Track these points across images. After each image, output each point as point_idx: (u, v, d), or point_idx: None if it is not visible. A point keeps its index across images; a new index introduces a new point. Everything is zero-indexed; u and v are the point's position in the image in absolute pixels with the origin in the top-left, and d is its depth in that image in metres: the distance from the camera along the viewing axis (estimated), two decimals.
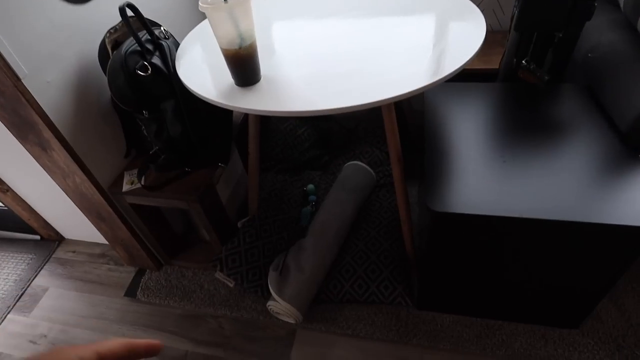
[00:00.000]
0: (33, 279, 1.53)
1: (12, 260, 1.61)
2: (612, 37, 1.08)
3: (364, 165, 1.39)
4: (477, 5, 1.19)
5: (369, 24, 0.96)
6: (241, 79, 0.85)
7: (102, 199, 1.15)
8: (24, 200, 1.47)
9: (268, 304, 1.13)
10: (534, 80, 1.18)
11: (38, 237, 1.68)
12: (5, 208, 1.54)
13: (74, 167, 1.07)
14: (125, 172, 1.20)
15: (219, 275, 1.19)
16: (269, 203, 1.41)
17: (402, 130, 1.04)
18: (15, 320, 1.39)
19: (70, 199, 1.21)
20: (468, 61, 0.77)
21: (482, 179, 0.87)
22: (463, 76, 1.11)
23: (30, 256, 1.62)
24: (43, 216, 1.55)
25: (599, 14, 1.18)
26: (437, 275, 1.03)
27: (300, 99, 0.77)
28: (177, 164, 1.15)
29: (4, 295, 1.47)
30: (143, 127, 1.12)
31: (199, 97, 0.85)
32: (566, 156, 0.90)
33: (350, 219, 1.26)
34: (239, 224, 1.28)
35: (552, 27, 1.09)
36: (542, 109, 1.05)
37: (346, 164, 1.42)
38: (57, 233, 1.64)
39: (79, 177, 1.10)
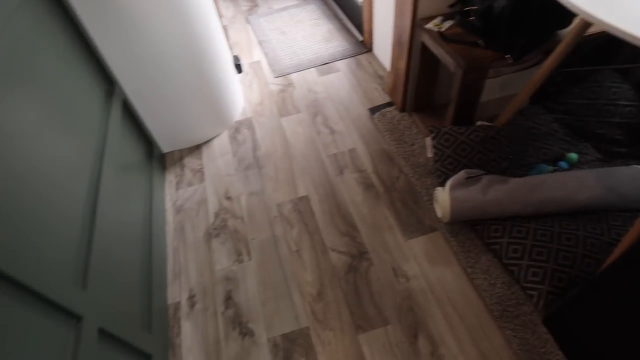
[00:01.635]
0: (337, 61, 2.01)
1: (338, 41, 2.11)
2: None
3: None
4: None
5: None
6: None
7: (409, 23, 1.33)
8: (372, 5, 1.83)
9: (437, 188, 1.20)
10: None
11: (361, 38, 2.12)
12: (361, 4, 1.96)
13: None
14: (440, 16, 1.32)
15: (428, 140, 1.30)
16: (521, 134, 1.32)
17: None
18: (311, 74, 1.92)
19: (394, 15, 1.44)
20: None
21: None
22: None
23: (348, 47, 2.09)
24: (373, 25, 1.91)
25: None
26: (590, 313, 0.85)
27: None
28: (477, 32, 1.19)
29: (318, 56, 2.02)
30: None
31: None
32: None
33: (578, 205, 1.09)
34: (478, 123, 1.29)
35: None
36: None
37: (633, 166, 1.14)
38: (371, 44, 2.02)
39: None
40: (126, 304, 0.98)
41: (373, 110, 1.67)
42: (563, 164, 1.26)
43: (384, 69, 1.89)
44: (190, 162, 1.59)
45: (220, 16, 1.74)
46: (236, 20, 2.35)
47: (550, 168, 1.24)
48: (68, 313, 0.75)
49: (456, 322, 1.06)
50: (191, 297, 1.21)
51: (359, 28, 2.12)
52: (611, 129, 1.29)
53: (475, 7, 1.21)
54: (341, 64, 1.96)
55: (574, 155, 1.26)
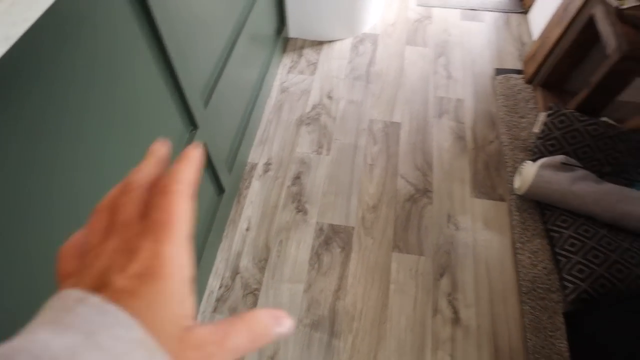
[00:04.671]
0: (486, 11, 1.89)
1: None
2: None
3: None
4: None
5: None
6: None
7: None
8: None
9: (526, 161, 1.19)
10: None
11: None
12: None
13: None
14: None
15: (542, 115, 1.25)
16: None
17: None
18: (452, 15, 1.84)
19: None
20: None
21: None
22: None
23: (505, 1, 1.93)
24: None
25: None
26: (611, 321, 0.86)
27: None
28: None
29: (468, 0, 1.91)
30: None
31: None
32: None
33: None
34: (603, 118, 1.21)
35: None
36: None
37: None
38: (530, 7, 1.85)
39: None
40: (224, 140, 1.17)
41: (499, 71, 1.61)
42: None
43: (530, 36, 1.76)
44: (308, 53, 1.70)
45: None
46: None
47: None
48: (191, 120, 0.93)
49: (483, 280, 1.12)
50: (267, 164, 1.38)
51: None
52: None
53: None
54: (488, 15, 1.85)
55: None
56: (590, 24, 1.22)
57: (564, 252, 1.07)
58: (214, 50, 1.02)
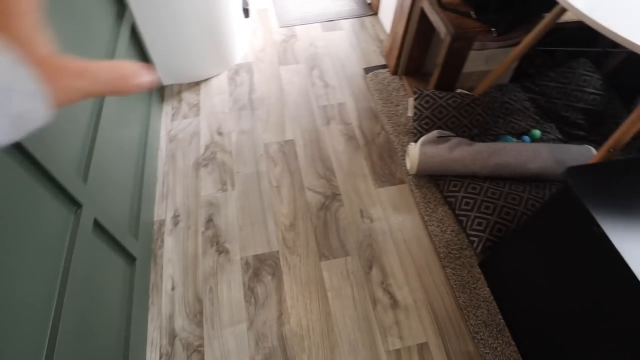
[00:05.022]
0: (342, 19, 2.06)
1: (348, 1, 2.15)
2: None
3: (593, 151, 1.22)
4: None
5: None
6: None
7: None
8: None
9: (410, 143, 1.32)
10: None
11: (369, 1, 2.16)
12: None
13: None
14: None
15: (410, 101, 1.40)
16: (495, 106, 1.43)
17: None
18: (315, 29, 1.98)
19: None
20: None
21: None
22: None
23: (355, 7, 2.13)
24: None
25: None
26: (512, 255, 1.00)
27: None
28: (470, 4, 1.27)
29: (325, 12, 2.07)
30: None
31: None
32: None
33: (529, 172, 1.22)
34: (458, 90, 1.39)
35: None
36: None
37: (583, 145, 1.27)
38: (377, 8, 2.07)
39: None
40: (118, 208, 1.10)
41: (368, 70, 1.76)
42: (526, 138, 1.38)
43: (385, 33, 1.95)
44: (187, 96, 1.68)
45: None
46: None
47: (514, 140, 1.36)
48: (71, 199, 0.86)
49: (407, 260, 1.21)
50: (175, 216, 1.33)
51: None
52: (575, 113, 1.40)
53: None
54: (346, 23, 2.02)
55: (537, 132, 1.38)
56: (424, 15, 1.41)
57: (462, 212, 1.20)
58: (78, 124, 0.96)
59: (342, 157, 1.46)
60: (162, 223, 1.32)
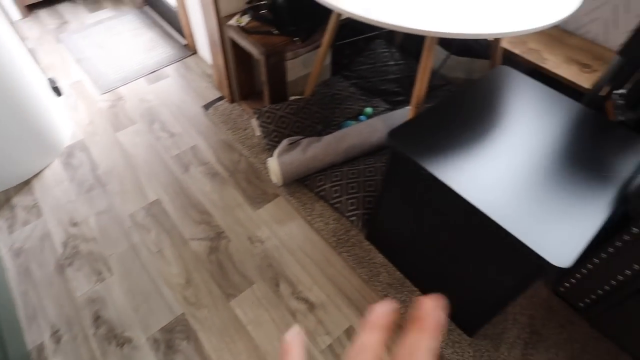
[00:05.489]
0: (164, 67, 2.05)
1: (162, 48, 2.15)
2: None
3: None
4: (592, 10, 1.10)
5: None
6: None
7: (215, 22, 1.48)
8: (186, 9, 1.92)
9: (268, 158, 1.38)
10: (613, 116, 1.06)
11: (185, 42, 2.18)
12: (176, 10, 2.03)
13: None
14: (239, 12, 1.49)
15: (254, 122, 1.47)
16: (327, 100, 1.59)
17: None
18: (140, 84, 1.92)
19: (203, 17, 1.57)
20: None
21: (456, 148, 0.92)
22: (547, 81, 1.11)
23: (173, 52, 2.13)
24: (192, 29, 2.00)
25: None
26: (384, 217, 1.13)
27: (373, 5, 0.90)
28: (270, 22, 1.40)
29: (144, 65, 2.03)
30: None
31: None
32: (552, 181, 0.87)
33: (373, 145, 1.38)
34: (291, 98, 1.51)
35: None
36: (583, 141, 0.97)
37: (404, 107, 1.49)
38: (194, 47, 2.11)
39: None
40: None
41: (206, 106, 1.78)
42: (363, 117, 1.57)
43: (210, 67, 2.00)
44: (20, 200, 1.48)
45: (24, 39, 1.61)
46: (44, 40, 2.17)
47: (354, 122, 1.53)
48: None
49: (306, 262, 1.26)
50: (55, 333, 1.17)
51: (181, 32, 2.19)
52: (390, 84, 1.65)
53: (265, 2, 1.42)
54: (169, 70, 2.01)
55: (369, 109, 1.58)
56: (235, 43, 1.49)
57: (335, 200, 1.31)
58: None
59: (213, 196, 1.45)
60: (40, 348, 1.14)
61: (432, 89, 1.66)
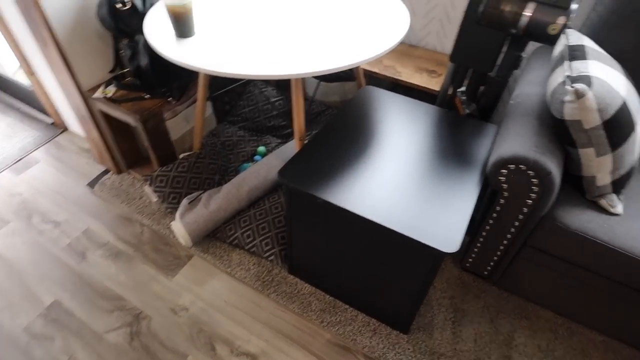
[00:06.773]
0: (32, 152, 1.86)
1: (24, 132, 1.95)
2: (530, 90, 1.13)
3: None
4: (425, 26, 1.30)
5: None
6: (178, 31, 1.04)
7: (79, 97, 1.40)
8: (43, 87, 1.78)
9: (171, 222, 1.34)
10: (462, 111, 1.26)
11: (51, 120, 2.01)
12: (32, 89, 1.87)
13: (60, 63, 1.32)
14: (104, 84, 1.44)
15: (147, 188, 1.41)
16: (218, 149, 1.60)
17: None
18: (5, 177, 1.72)
19: (64, 93, 1.47)
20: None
21: (341, 170, 1.00)
22: (407, 90, 1.26)
23: (39, 134, 1.95)
24: (55, 105, 1.86)
25: (535, 70, 1.22)
26: (299, 248, 1.18)
27: (227, 60, 0.94)
28: (138, 88, 1.37)
29: (5, 155, 1.81)
30: (122, 51, 1.34)
31: (148, 41, 1.05)
32: (428, 179, 1.00)
33: (273, 181, 1.42)
34: (181, 156, 1.49)
35: (482, 66, 1.16)
36: (445, 137, 1.14)
37: (294, 139, 1.57)
38: (63, 123, 1.95)
39: (64, 74, 1.35)
40: None
41: (91, 183, 1.66)
42: (257, 157, 1.61)
43: (86, 141, 1.87)
44: None
45: None
46: None
47: (251, 164, 1.56)
48: None
49: (238, 315, 1.24)
50: None
51: (44, 111, 2.01)
52: (275, 119, 1.72)
53: (128, 69, 1.39)
54: (38, 153, 1.83)
55: (262, 148, 1.63)
56: (107, 114, 1.43)
57: (250, 245, 1.32)
58: None
59: (121, 277, 1.35)
60: None
61: (315, 115, 1.78)
